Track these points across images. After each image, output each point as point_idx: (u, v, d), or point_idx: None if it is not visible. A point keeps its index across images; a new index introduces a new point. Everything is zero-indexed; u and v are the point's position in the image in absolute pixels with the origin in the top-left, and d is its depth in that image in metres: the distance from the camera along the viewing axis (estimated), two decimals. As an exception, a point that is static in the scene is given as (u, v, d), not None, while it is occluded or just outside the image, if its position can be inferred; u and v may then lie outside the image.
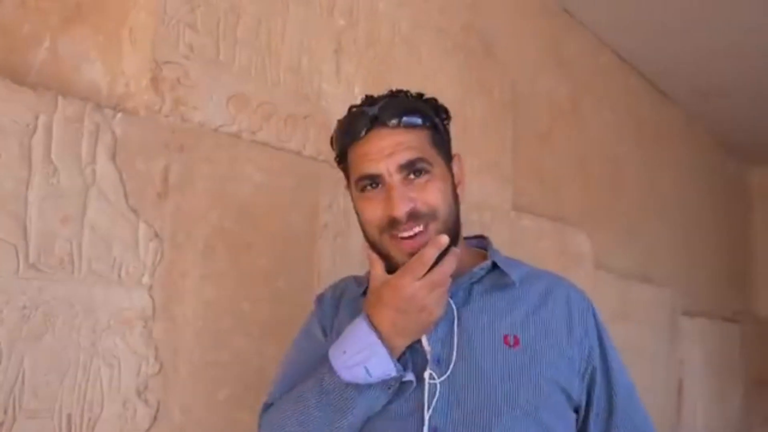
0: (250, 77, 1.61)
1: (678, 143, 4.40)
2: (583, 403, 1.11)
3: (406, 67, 2.07)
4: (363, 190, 1.08)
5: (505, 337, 1.07)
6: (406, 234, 1.04)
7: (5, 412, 1.16)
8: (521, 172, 2.67)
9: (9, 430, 1.16)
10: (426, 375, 1.04)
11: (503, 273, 1.13)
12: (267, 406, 1.15)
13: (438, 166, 1.08)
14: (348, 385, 1.01)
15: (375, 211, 1.06)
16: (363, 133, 1.07)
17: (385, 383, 1.01)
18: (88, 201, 1.29)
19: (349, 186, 1.14)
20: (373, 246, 1.09)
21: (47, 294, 1.22)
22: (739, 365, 5.02)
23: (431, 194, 1.05)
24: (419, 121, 1.08)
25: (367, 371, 0.99)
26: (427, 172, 1.05)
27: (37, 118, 1.22)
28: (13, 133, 1.19)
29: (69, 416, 1.23)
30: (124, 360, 1.32)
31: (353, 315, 1.08)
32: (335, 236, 1.78)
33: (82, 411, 1.25)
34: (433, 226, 1.05)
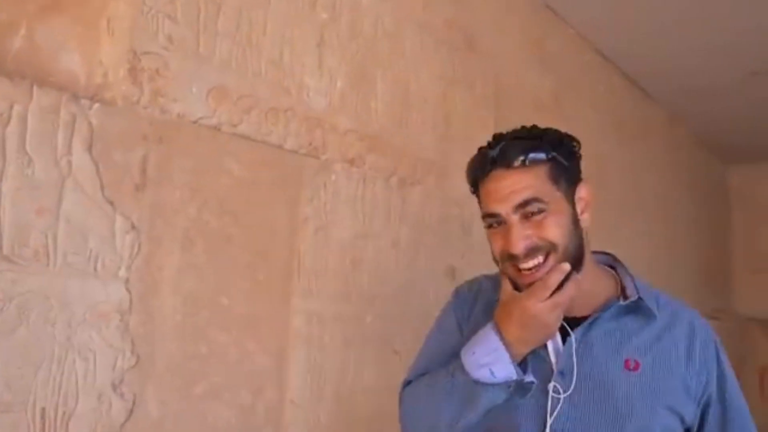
0: (230, 69, 1.60)
1: (659, 142, 4.43)
2: (696, 426, 1.23)
3: (388, 61, 2.07)
4: (489, 226, 1.23)
5: (627, 361, 1.20)
6: (525, 266, 1.17)
7: (-23, 406, 1.14)
8: (503, 168, 2.67)
9: (-19, 424, 1.14)
10: (550, 387, 1.19)
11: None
12: (406, 383, 1.36)
13: (554, 201, 1.18)
14: (476, 382, 1.17)
15: (498, 244, 1.21)
16: (486, 172, 1.22)
17: (506, 383, 1.17)
18: (63, 192, 1.27)
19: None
20: (502, 271, 1.25)
21: (21, 286, 1.20)
22: (717, 362, 5.06)
23: (547, 230, 1.17)
24: (536, 158, 1.19)
25: (492, 373, 1.15)
26: (542, 210, 1.17)
27: (11, 107, 1.20)
28: (-14, 123, 1.17)
29: (43, 410, 1.22)
30: (99, 353, 1.30)
31: (487, 316, 1.25)
32: (316, 230, 1.77)
33: (57, 405, 1.24)
34: (552, 257, 1.17)
